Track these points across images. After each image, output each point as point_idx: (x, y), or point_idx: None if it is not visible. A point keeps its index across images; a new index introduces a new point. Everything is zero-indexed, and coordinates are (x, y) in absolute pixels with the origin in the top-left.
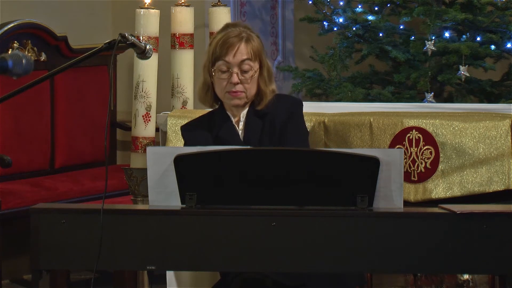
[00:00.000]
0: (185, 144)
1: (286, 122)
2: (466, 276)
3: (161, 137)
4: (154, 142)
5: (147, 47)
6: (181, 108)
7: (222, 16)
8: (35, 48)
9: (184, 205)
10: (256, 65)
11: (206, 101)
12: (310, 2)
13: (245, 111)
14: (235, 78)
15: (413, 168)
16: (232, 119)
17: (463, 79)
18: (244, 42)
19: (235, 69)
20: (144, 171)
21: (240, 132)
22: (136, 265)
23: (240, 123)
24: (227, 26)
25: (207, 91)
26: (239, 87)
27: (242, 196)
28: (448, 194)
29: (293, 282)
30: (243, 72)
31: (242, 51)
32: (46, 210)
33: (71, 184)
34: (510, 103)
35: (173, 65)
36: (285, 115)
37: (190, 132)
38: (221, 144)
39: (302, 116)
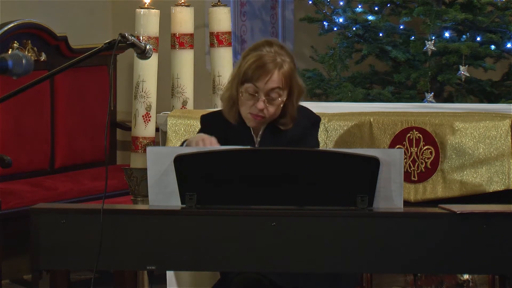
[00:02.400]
0: (199, 131)
1: (301, 138)
2: (466, 276)
3: (161, 137)
4: (154, 142)
5: (147, 47)
6: (181, 108)
7: (222, 16)
8: (35, 48)
9: (184, 205)
10: (285, 93)
11: (231, 116)
12: (310, 2)
13: (264, 126)
14: (260, 105)
15: (413, 168)
16: (251, 128)
17: (463, 79)
18: (277, 70)
19: (263, 96)
20: (144, 171)
21: (256, 141)
22: (136, 265)
23: (258, 133)
24: (263, 45)
25: (232, 106)
26: (262, 112)
27: (242, 196)
28: (448, 194)
29: (288, 283)
30: (270, 99)
31: (274, 79)
32: (46, 210)
33: (71, 184)
34: (510, 103)
35: (173, 65)
36: (301, 131)
37: (208, 122)
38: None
39: (317, 134)
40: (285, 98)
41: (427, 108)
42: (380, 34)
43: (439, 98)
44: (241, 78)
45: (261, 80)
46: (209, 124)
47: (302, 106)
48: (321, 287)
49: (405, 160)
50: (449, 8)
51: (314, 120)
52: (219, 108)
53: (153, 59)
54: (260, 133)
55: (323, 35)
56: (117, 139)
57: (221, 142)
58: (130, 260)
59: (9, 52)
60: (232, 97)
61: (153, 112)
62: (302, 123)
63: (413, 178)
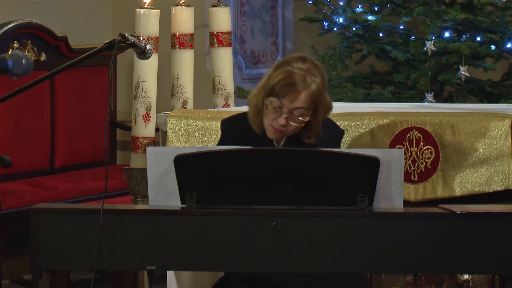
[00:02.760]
0: (222, 139)
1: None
2: (466, 276)
3: (161, 137)
4: (154, 142)
5: (147, 47)
6: (181, 108)
7: (222, 16)
8: (35, 48)
9: (184, 205)
10: (309, 113)
11: (255, 124)
12: (310, 2)
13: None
14: (282, 121)
15: (413, 168)
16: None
17: (463, 79)
18: (305, 90)
19: (286, 113)
20: (144, 171)
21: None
22: (136, 265)
23: (280, 143)
24: (296, 60)
25: (257, 115)
26: (282, 128)
27: (242, 196)
28: (448, 194)
29: (291, 284)
30: (293, 117)
31: (300, 99)
32: (46, 210)
33: (71, 184)
34: (510, 103)
35: (173, 65)
36: (323, 144)
37: (230, 127)
38: None
39: (339, 147)
40: (308, 118)
41: (427, 108)
42: (380, 34)
43: (439, 98)
44: (268, 90)
45: (287, 98)
46: (231, 129)
47: (327, 118)
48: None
49: (405, 160)
50: (449, 8)
51: (337, 133)
52: (240, 110)
53: (153, 59)
54: (282, 143)
55: (323, 35)
56: (117, 139)
57: (245, 144)
58: (130, 260)
59: (9, 52)
60: (258, 106)
61: (153, 112)
62: (325, 136)
63: (413, 178)
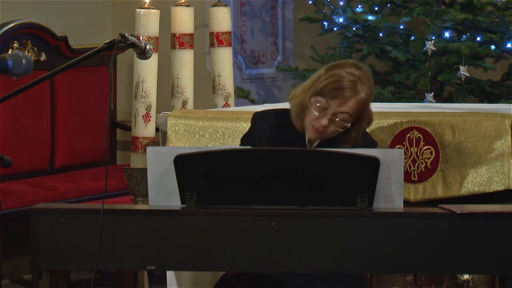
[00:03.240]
0: (249, 130)
1: None
2: (466, 276)
3: (161, 137)
4: (154, 142)
5: (147, 47)
6: (181, 108)
7: (222, 16)
8: (35, 48)
9: (184, 205)
10: (351, 120)
11: (297, 122)
12: (310, 2)
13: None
14: (324, 122)
15: (413, 168)
16: (306, 138)
17: (463, 79)
18: (354, 97)
19: (330, 115)
20: (144, 171)
21: None
22: (136, 265)
23: (313, 144)
24: (350, 65)
25: (301, 113)
26: (323, 129)
27: (242, 196)
28: (448, 194)
29: (295, 284)
30: (336, 120)
31: (348, 105)
32: (46, 210)
33: (71, 184)
34: (510, 103)
35: (173, 65)
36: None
37: (261, 121)
38: None
39: None
40: (349, 125)
41: (427, 108)
42: (380, 34)
43: (439, 98)
44: (317, 90)
45: (335, 101)
46: (262, 123)
47: (364, 131)
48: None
49: (405, 160)
50: (449, 8)
51: (371, 144)
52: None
53: (153, 59)
54: (315, 145)
55: (323, 35)
56: (117, 139)
57: (270, 144)
58: (130, 260)
59: (9, 52)
60: (304, 104)
61: (153, 112)
62: (359, 146)
63: (413, 178)
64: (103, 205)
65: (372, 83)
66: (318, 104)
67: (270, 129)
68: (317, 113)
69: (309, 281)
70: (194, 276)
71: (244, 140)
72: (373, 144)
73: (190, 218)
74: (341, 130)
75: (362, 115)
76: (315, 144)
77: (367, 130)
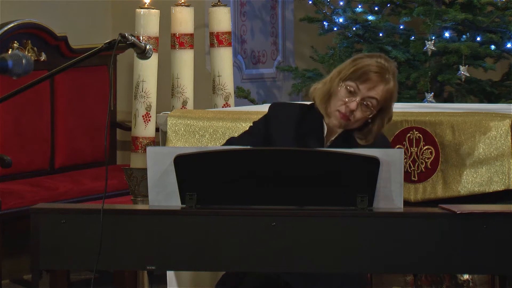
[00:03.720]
0: (265, 116)
1: None
2: (466, 276)
3: (161, 137)
4: (154, 142)
5: (147, 47)
6: (181, 108)
7: (222, 16)
8: (35, 48)
9: (184, 205)
10: (378, 108)
11: (321, 107)
12: (310, 2)
13: (340, 131)
14: (353, 105)
15: (413, 168)
16: (325, 130)
17: (463, 79)
18: (383, 84)
19: (359, 99)
20: (144, 171)
21: (325, 145)
22: (136, 265)
23: (330, 138)
24: (379, 56)
25: (327, 100)
26: (351, 114)
27: (242, 196)
28: (448, 194)
29: (300, 283)
30: (364, 105)
31: (378, 90)
32: (46, 210)
33: (71, 184)
34: (510, 103)
35: (173, 65)
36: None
37: (279, 111)
38: (301, 143)
39: None
40: (375, 112)
41: (427, 108)
42: (380, 34)
43: (439, 98)
44: (347, 74)
45: (365, 85)
46: (279, 113)
47: (382, 134)
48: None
49: (405, 160)
50: (449, 8)
51: (386, 144)
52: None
53: (153, 59)
54: (332, 139)
55: (323, 35)
56: (117, 139)
57: (285, 137)
58: (130, 260)
59: (9, 52)
60: (330, 90)
61: (153, 112)
62: (376, 145)
63: (413, 178)
64: (103, 205)
65: (396, 79)
66: (348, 89)
67: (287, 121)
68: (346, 98)
69: (310, 281)
70: (194, 276)
71: (255, 125)
72: (386, 144)
73: (190, 218)
74: (367, 116)
75: (388, 107)
76: (333, 138)
77: None
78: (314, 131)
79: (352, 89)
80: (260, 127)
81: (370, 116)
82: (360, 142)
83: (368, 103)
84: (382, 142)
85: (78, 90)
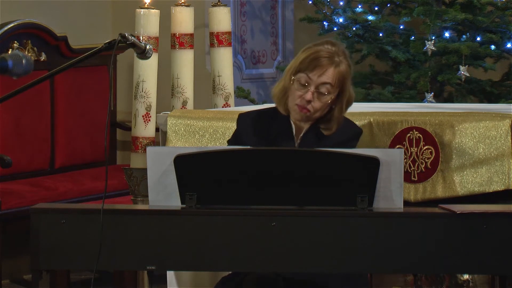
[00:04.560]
0: (235, 131)
1: (340, 147)
2: (466, 276)
3: (161, 137)
4: (154, 142)
5: (147, 47)
6: (181, 108)
7: (222, 16)
8: (35, 48)
9: (184, 205)
10: (335, 92)
11: (281, 105)
12: (310, 2)
13: (307, 127)
14: (308, 96)
15: (413, 168)
16: (293, 129)
17: (463, 79)
18: (333, 67)
19: (313, 88)
20: (144, 171)
21: (296, 143)
22: (136, 265)
23: (299, 135)
24: (326, 43)
25: (284, 95)
26: (308, 105)
27: (242, 196)
28: (448, 194)
29: (302, 277)
30: (319, 93)
31: (328, 74)
32: (46, 210)
33: (71, 184)
34: (510, 103)
35: (173, 65)
36: (343, 140)
37: (247, 121)
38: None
39: (356, 145)
40: (333, 97)
41: (427, 108)
42: (380, 34)
43: (439, 98)
44: (296, 67)
45: (315, 72)
46: (247, 123)
47: (345, 117)
48: (333, 282)
49: (405, 160)
50: (449, 8)
51: (356, 132)
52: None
53: (153, 59)
54: (301, 135)
55: (323, 35)
56: (117, 139)
57: (258, 143)
58: (130, 260)
59: (9, 52)
60: (286, 86)
61: (153, 112)
62: (345, 133)
63: (413, 178)
64: (103, 205)
65: (349, 58)
66: (300, 81)
67: (255, 126)
68: (300, 91)
69: (310, 281)
70: (194, 276)
71: (231, 142)
72: (357, 132)
73: (190, 218)
74: (327, 103)
75: (344, 89)
76: (301, 134)
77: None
78: (284, 131)
79: (303, 80)
80: (236, 141)
81: (329, 102)
82: (325, 133)
83: (323, 89)
84: (347, 127)
85: (78, 90)
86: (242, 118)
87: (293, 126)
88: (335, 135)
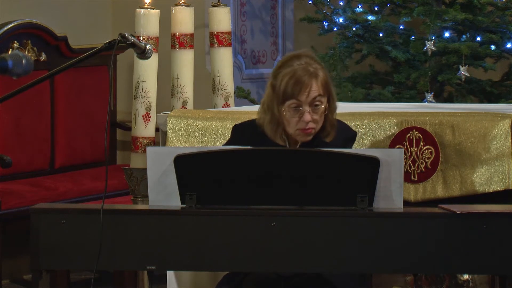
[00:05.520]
0: (229, 140)
1: None
2: (466, 276)
3: (161, 137)
4: (154, 142)
5: (147, 47)
6: (181, 108)
7: (222, 16)
8: (35, 48)
9: (184, 205)
10: (325, 99)
11: (276, 136)
12: (310, 2)
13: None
14: (307, 117)
15: (413, 168)
16: (286, 143)
17: (463, 79)
18: (314, 80)
19: (307, 108)
20: (144, 171)
21: None
22: (136, 265)
23: (296, 146)
24: (291, 59)
25: (277, 127)
26: (310, 124)
27: (242, 196)
28: (448, 194)
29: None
30: (314, 107)
31: (314, 88)
32: (46, 210)
33: (71, 184)
34: (510, 103)
35: (173, 65)
36: (339, 145)
37: (242, 132)
38: None
39: (351, 147)
40: (326, 105)
41: (427, 108)
42: (380, 34)
43: (439, 98)
44: (281, 97)
45: (302, 93)
46: (243, 134)
47: (339, 120)
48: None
49: (405, 160)
50: (449, 8)
51: (352, 135)
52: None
53: (153, 59)
54: (298, 146)
55: (323, 35)
56: (117, 139)
57: None
58: (130, 260)
59: (9, 52)
60: (275, 118)
61: (153, 112)
62: (340, 137)
63: (413, 178)
64: (103, 205)
65: (318, 60)
66: (291, 108)
67: (251, 142)
68: (295, 116)
69: (310, 281)
70: (194, 276)
71: None
72: (352, 135)
73: (190, 218)
74: (322, 113)
75: (330, 93)
76: (297, 146)
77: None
78: (277, 144)
79: (295, 105)
80: None
81: (325, 110)
82: (327, 140)
83: (316, 103)
84: (341, 131)
85: (78, 90)
86: (237, 130)
87: (286, 140)
88: (329, 142)
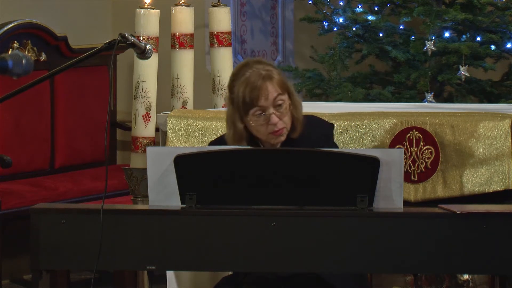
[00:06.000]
0: None
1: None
2: (466, 276)
3: (161, 137)
4: (154, 142)
5: (147, 47)
6: (181, 108)
7: (222, 16)
8: (35, 48)
9: (184, 205)
10: (286, 97)
11: (251, 145)
12: (310, 2)
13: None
14: (274, 119)
15: (413, 168)
16: (261, 146)
17: (463, 79)
18: (269, 81)
19: (271, 110)
20: (144, 171)
21: None
22: (136, 265)
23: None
24: (242, 69)
25: (240, 139)
26: (280, 125)
27: (242, 196)
28: (448, 194)
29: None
30: (278, 108)
31: (271, 90)
32: (46, 210)
33: (71, 184)
34: (510, 103)
35: (173, 65)
36: (315, 143)
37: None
38: None
39: (333, 140)
40: (289, 101)
41: (427, 108)
42: (380, 34)
43: (439, 98)
44: (242, 109)
45: (261, 98)
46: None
47: (312, 116)
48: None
49: (405, 160)
50: (449, 8)
51: (327, 129)
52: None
53: (153, 59)
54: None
55: (323, 35)
56: (117, 139)
57: None
58: (130, 260)
59: (9, 52)
60: (239, 131)
61: (153, 112)
62: (314, 135)
63: (413, 178)
64: (103, 205)
65: (266, 61)
66: (255, 115)
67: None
68: (262, 122)
69: (310, 281)
70: (194, 276)
71: None
72: (329, 126)
73: (190, 218)
74: (288, 110)
75: (289, 90)
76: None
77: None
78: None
79: (258, 112)
80: None
81: (289, 107)
82: (292, 136)
83: (278, 102)
84: (316, 125)
85: (78, 90)
86: (213, 145)
87: (261, 145)
88: (310, 137)
